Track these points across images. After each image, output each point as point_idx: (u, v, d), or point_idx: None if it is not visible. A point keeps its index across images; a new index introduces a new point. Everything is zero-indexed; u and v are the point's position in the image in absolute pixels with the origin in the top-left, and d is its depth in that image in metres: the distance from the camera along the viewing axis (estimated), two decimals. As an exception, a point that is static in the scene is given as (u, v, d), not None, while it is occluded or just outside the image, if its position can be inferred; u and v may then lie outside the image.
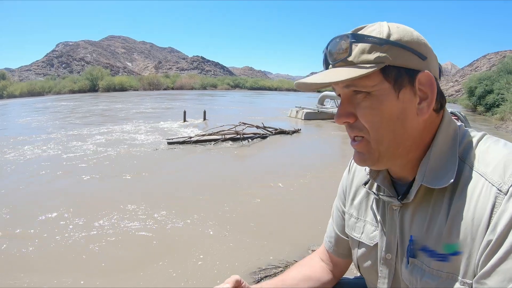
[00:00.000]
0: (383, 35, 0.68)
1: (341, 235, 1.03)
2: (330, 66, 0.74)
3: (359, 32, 0.71)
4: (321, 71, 0.78)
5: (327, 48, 0.74)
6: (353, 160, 1.02)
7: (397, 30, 0.69)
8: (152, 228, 4.06)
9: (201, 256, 3.44)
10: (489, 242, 0.61)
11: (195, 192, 5.41)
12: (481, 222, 0.62)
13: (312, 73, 0.84)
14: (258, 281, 2.93)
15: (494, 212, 0.61)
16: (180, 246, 3.69)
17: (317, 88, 0.75)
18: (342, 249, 1.04)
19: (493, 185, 0.63)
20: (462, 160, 0.70)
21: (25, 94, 48.56)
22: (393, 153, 0.73)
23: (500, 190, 0.62)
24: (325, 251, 1.10)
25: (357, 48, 0.69)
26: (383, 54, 0.67)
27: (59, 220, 4.22)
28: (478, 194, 0.64)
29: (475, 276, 0.64)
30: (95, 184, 5.84)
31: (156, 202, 4.90)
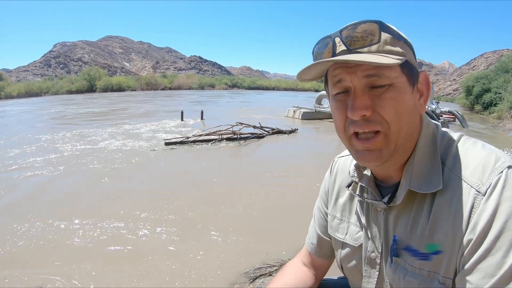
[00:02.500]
0: (397, 31, 0.70)
1: (323, 236, 1.04)
2: (341, 53, 0.69)
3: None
4: (336, 57, 0.70)
5: (340, 32, 0.70)
6: (335, 162, 1.03)
7: (400, 31, 0.73)
8: (151, 225, 4.06)
9: (201, 252, 3.48)
10: (469, 241, 0.63)
11: (192, 192, 5.41)
12: (461, 222, 0.65)
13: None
14: (253, 280, 2.93)
15: (473, 213, 0.64)
16: (179, 242, 3.71)
17: (319, 77, 0.76)
18: (324, 250, 1.04)
19: (472, 187, 0.65)
20: (442, 162, 0.72)
21: (22, 95, 48.42)
22: (404, 147, 0.73)
23: (478, 191, 0.64)
24: (307, 253, 1.10)
25: (382, 37, 0.68)
26: (402, 49, 0.69)
27: (64, 220, 4.20)
28: (458, 196, 0.67)
29: (455, 274, 0.67)
30: (94, 184, 5.81)
31: (154, 201, 4.90)
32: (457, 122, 15.79)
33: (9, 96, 46.85)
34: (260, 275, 3.01)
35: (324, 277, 1.10)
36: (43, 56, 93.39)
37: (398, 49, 0.68)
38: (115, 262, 3.31)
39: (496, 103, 22.12)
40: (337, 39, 0.70)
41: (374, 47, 0.67)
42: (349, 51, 0.68)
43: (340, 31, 0.70)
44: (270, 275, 3.00)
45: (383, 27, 0.67)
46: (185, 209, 4.60)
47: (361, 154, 0.74)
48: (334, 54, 0.70)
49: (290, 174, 6.63)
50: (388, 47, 0.67)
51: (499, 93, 22.65)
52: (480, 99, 26.33)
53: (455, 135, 0.77)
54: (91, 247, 3.61)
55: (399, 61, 0.64)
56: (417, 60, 0.75)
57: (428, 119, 0.79)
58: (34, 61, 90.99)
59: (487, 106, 24.42)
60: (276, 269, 3.07)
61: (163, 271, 3.16)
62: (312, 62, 0.74)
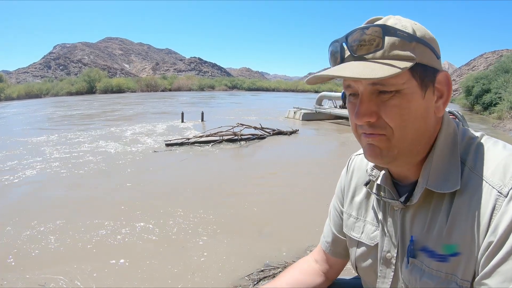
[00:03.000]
0: (410, 31, 0.66)
1: (338, 235, 1.03)
2: (348, 58, 0.69)
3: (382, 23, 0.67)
4: (340, 65, 0.70)
5: (346, 39, 0.68)
6: (352, 159, 1.02)
7: (417, 27, 0.68)
8: (153, 227, 4.05)
9: (205, 254, 3.48)
10: (490, 243, 0.61)
11: (194, 193, 5.41)
12: (482, 224, 0.63)
13: (325, 69, 0.76)
14: (257, 282, 2.93)
15: (494, 214, 0.62)
16: (181, 244, 3.70)
17: (330, 79, 0.72)
18: (339, 248, 1.04)
19: (494, 188, 0.63)
20: (462, 162, 0.70)
21: (22, 97, 48.38)
22: (411, 151, 0.71)
23: (500, 193, 0.62)
24: (322, 251, 1.09)
25: (387, 41, 0.65)
26: (412, 51, 0.65)
27: (64, 221, 4.21)
28: (478, 196, 0.65)
29: (474, 277, 0.64)
30: (95, 185, 5.82)
31: (155, 203, 4.90)
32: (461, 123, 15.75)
33: (9, 98, 46.77)
34: (264, 277, 3.00)
35: (337, 277, 1.10)
36: (43, 58, 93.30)
37: (407, 53, 0.64)
38: (116, 264, 3.30)
39: (496, 103, 22.07)
40: (344, 44, 0.69)
41: (378, 53, 0.65)
42: (353, 57, 0.68)
43: (346, 36, 0.68)
44: (273, 277, 2.98)
45: (387, 30, 0.64)
46: (186, 211, 4.59)
47: (365, 149, 0.74)
48: (342, 59, 0.70)
49: (291, 175, 6.62)
50: (396, 52, 0.64)
51: (499, 94, 22.63)
52: (480, 99, 26.27)
53: (476, 134, 0.75)
54: (92, 249, 3.60)
55: (397, 71, 0.61)
56: (439, 58, 0.70)
57: (449, 117, 0.77)
58: (34, 62, 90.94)
59: (487, 107, 24.35)
60: (280, 271, 3.05)
61: (169, 264, 3.20)
62: (327, 59, 0.76)
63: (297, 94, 57.60)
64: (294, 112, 17.57)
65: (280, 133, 11.58)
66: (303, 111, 17.15)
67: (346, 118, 13.90)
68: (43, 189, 5.71)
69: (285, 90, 70.63)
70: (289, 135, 11.58)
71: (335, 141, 11.25)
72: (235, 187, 5.81)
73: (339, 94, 16.45)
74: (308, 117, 16.71)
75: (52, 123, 15.21)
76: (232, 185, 5.91)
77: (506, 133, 14.05)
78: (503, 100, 20.68)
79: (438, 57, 0.70)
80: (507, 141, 0.72)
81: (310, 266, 1.10)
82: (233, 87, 71.50)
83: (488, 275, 0.60)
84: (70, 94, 51.02)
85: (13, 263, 3.32)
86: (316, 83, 0.74)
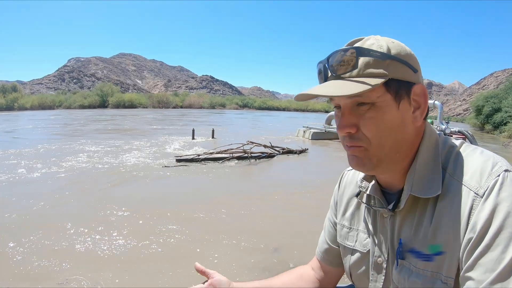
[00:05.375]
0: (384, 50, 0.72)
1: (332, 245, 1.09)
2: (330, 77, 0.76)
3: (359, 45, 0.74)
4: (322, 83, 0.78)
5: (328, 60, 0.76)
6: (344, 174, 1.11)
7: (394, 45, 0.74)
8: (167, 239, 4.16)
9: (212, 261, 3.62)
10: (469, 239, 0.66)
11: (203, 208, 5.49)
12: (462, 223, 0.68)
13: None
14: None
15: (472, 213, 0.68)
16: (194, 252, 3.88)
17: (314, 97, 0.78)
18: (332, 257, 1.09)
19: (471, 190, 0.70)
20: (444, 168, 0.77)
21: (36, 107, 49.13)
22: (392, 159, 0.77)
23: (477, 194, 0.69)
24: (316, 260, 1.16)
25: (361, 61, 0.71)
26: (386, 68, 0.71)
27: (84, 231, 4.30)
28: (458, 199, 0.72)
29: (457, 273, 0.70)
30: (108, 197, 5.88)
31: (170, 216, 5.01)
32: (467, 142, 15.62)
33: (22, 108, 47.50)
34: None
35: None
36: (57, 70, 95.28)
37: (380, 71, 0.70)
38: (138, 270, 3.44)
39: (507, 122, 21.89)
40: (326, 65, 0.77)
41: (354, 72, 0.71)
42: (334, 76, 0.75)
43: (328, 58, 0.76)
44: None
45: (361, 52, 0.71)
46: (196, 223, 4.70)
47: (349, 159, 0.80)
48: (326, 78, 0.77)
49: (300, 193, 6.70)
50: (370, 70, 0.71)
51: (509, 112, 22.44)
52: (491, 118, 26.06)
53: (456, 142, 0.81)
54: (112, 255, 3.74)
55: (368, 88, 0.68)
56: (416, 72, 0.75)
57: (432, 127, 0.82)
58: (48, 74, 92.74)
59: (498, 126, 24.14)
60: None
61: (188, 268, 3.34)
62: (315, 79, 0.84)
63: (307, 113, 57.67)
64: (304, 131, 17.67)
65: (289, 152, 11.65)
66: (312, 130, 17.24)
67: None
68: (60, 201, 5.80)
69: (296, 110, 70.81)
70: (298, 154, 11.64)
71: (343, 160, 11.09)
72: (243, 203, 5.89)
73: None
74: (318, 136, 16.79)
75: (83, 134, 15.41)
76: (241, 202, 5.99)
77: (517, 152, 13.87)
78: (514, 119, 20.50)
79: (416, 71, 0.75)
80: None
81: (307, 272, 1.16)
82: (244, 106, 71.87)
83: (471, 268, 0.65)
84: (82, 107, 51.79)
85: (36, 264, 3.42)
86: (305, 99, 0.82)
